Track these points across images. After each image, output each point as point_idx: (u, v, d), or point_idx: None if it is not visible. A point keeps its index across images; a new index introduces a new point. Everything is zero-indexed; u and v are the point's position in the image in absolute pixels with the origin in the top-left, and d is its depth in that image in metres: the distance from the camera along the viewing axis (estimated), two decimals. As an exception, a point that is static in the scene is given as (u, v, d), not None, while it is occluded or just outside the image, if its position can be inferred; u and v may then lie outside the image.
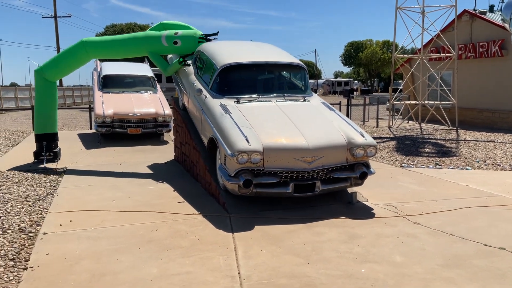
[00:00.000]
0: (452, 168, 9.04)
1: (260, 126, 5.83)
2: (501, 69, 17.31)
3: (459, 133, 15.50)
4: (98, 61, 16.22)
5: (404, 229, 5.09)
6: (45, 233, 5.03)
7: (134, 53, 9.04)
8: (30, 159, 9.88)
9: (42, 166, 9.15)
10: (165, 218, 5.55)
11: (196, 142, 7.52)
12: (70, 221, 5.49)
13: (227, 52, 7.30)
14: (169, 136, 13.32)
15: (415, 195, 6.70)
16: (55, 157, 9.77)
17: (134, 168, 8.95)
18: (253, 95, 6.69)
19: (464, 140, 13.56)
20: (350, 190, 6.35)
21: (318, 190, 5.71)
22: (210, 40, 8.53)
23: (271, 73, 7.27)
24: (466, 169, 9.02)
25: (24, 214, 5.83)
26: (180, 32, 8.58)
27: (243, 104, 6.46)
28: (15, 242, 4.78)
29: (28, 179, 7.99)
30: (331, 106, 6.82)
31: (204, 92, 6.88)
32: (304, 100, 6.84)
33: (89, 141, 13.08)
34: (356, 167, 5.87)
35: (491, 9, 18.84)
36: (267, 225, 5.21)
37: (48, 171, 8.76)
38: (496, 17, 18.30)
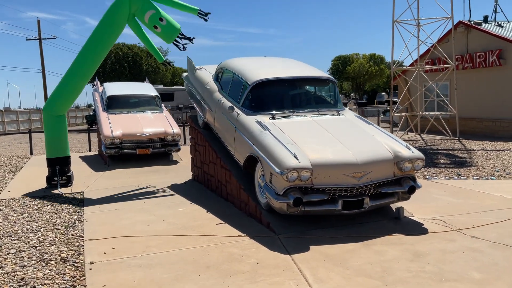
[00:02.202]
0: (477, 179, 8.97)
1: (303, 142, 5.67)
2: (500, 78, 17.49)
3: (464, 143, 15.54)
4: (98, 82, 15.98)
5: (465, 244, 4.94)
6: (91, 263, 4.76)
7: (116, 23, 8.61)
8: (41, 184, 9.56)
9: (57, 191, 8.83)
10: (212, 242, 5.32)
11: (224, 161, 7.31)
12: (113, 248, 5.22)
13: (255, 68, 7.16)
14: (178, 156, 13.07)
15: (456, 207, 6.57)
16: (69, 181, 9.46)
17: (155, 190, 8.69)
18: (288, 111, 6.54)
19: (473, 150, 13.58)
20: (394, 205, 6.19)
21: (366, 207, 5.55)
22: (186, 38, 8.48)
23: (302, 87, 7.15)
24: (491, 178, 8.96)
25: (60, 243, 5.54)
26: (165, 21, 8.29)
27: (279, 120, 6.30)
28: (64, 274, 4.50)
29: (48, 206, 7.68)
30: (366, 119, 6.70)
31: (236, 109, 6.71)
32: (338, 114, 6.71)
33: (95, 164, 12.75)
34: (403, 181, 5.72)
35: (485, 19, 19.13)
36: (321, 245, 5.01)
37: (65, 196, 8.46)
38: (491, 28, 18.57)
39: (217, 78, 8.08)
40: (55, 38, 48.00)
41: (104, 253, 5.06)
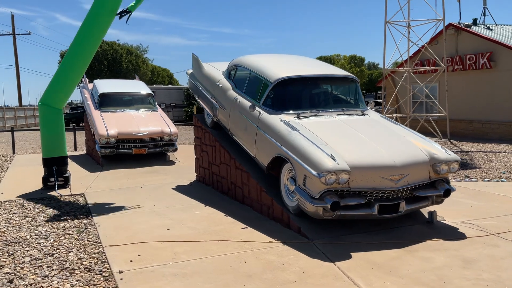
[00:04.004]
0: (488, 181, 8.89)
1: (335, 143, 5.42)
2: (490, 80, 17.65)
3: (456, 145, 15.58)
4: (87, 79, 15.40)
5: (511, 249, 4.77)
6: (120, 272, 4.39)
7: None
8: (35, 184, 9.08)
9: (56, 193, 8.36)
10: (244, 248, 5.01)
11: (240, 162, 7.01)
12: (138, 255, 4.85)
13: (275, 66, 6.87)
14: (174, 156, 12.67)
15: (482, 211, 6.42)
16: (66, 182, 8.98)
17: (161, 192, 8.30)
18: (312, 110, 6.28)
19: (471, 151, 13.59)
20: (425, 208, 5.99)
21: (402, 211, 5.32)
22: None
23: (324, 86, 6.89)
24: (502, 181, 8.89)
25: (78, 250, 5.15)
26: None
27: (305, 120, 6.03)
28: (94, 285, 4.13)
29: (49, 208, 7.23)
30: (392, 120, 6.50)
31: (257, 108, 6.41)
32: (363, 114, 6.49)
33: (87, 164, 12.23)
34: (437, 184, 5.53)
35: (475, 22, 19.29)
36: (362, 252, 4.77)
37: (65, 199, 8.01)
38: (481, 30, 18.73)
39: (229, 75, 7.76)
40: (30, 34, 46.50)
41: (131, 261, 4.70)
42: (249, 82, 7.02)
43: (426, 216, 5.88)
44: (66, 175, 9.02)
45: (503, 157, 12.17)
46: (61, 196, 8.21)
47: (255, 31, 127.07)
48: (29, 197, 8.15)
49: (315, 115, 6.18)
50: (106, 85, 13.62)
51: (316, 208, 5.07)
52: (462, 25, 18.94)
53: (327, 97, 6.82)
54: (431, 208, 5.84)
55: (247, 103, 6.70)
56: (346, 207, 5.13)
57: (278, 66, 6.83)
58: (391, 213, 5.29)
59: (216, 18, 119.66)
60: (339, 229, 5.48)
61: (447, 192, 5.49)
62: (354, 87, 6.83)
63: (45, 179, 8.87)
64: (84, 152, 15.08)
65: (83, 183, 9.39)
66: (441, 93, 19.02)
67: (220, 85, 7.67)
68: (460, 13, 20.14)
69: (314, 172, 4.97)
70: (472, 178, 9.12)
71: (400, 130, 6.11)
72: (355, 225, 5.60)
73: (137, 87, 14.06)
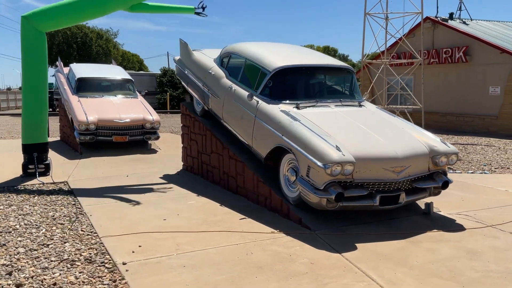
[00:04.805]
0: (472, 173, 9.09)
1: (338, 134, 5.38)
2: (465, 74, 18.05)
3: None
4: (62, 62, 14.90)
5: (511, 240, 4.87)
6: (124, 263, 4.25)
7: None
8: (13, 171, 8.72)
9: (38, 181, 8.06)
10: (247, 238, 4.94)
11: (234, 152, 6.91)
12: (139, 246, 4.72)
13: (272, 54, 6.78)
14: (155, 144, 12.42)
15: (474, 202, 6.53)
16: (47, 170, 8.66)
17: (149, 181, 8.11)
18: (311, 100, 6.23)
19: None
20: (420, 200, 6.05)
21: (402, 202, 5.36)
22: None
23: (322, 76, 6.85)
24: (485, 173, 9.11)
25: (74, 240, 4.96)
26: None
27: (305, 110, 5.97)
28: (100, 277, 3.98)
29: (34, 197, 6.97)
30: (389, 112, 6.52)
31: (255, 97, 6.30)
32: (360, 105, 6.49)
33: (64, 151, 11.87)
34: (435, 175, 5.59)
35: (451, 16, 19.64)
36: (367, 243, 4.77)
37: (48, 186, 7.74)
38: (458, 25, 19.09)
39: (221, 63, 7.61)
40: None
41: (133, 252, 4.56)
42: (244, 70, 6.90)
43: (422, 207, 5.94)
44: (47, 162, 8.71)
45: (481, 149, 12.48)
46: (43, 184, 7.92)
47: (225, 19, 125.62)
48: (10, 184, 7.84)
49: (314, 106, 6.13)
50: (83, 70, 13.20)
51: (320, 199, 5.03)
52: (439, 18, 19.24)
53: (324, 87, 6.78)
54: (427, 199, 5.90)
55: (243, 92, 6.58)
56: (349, 198, 5.12)
57: (276, 55, 6.74)
58: (391, 204, 5.32)
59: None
60: (339, 220, 5.48)
61: (445, 184, 5.55)
62: (350, 78, 6.81)
63: (25, 166, 8.53)
64: (58, 138, 14.60)
65: (64, 171, 9.09)
66: (416, 85, 19.33)
67: (213, 73, 7.52)
68: (437, 7, 20.66)
69: (319, 163, 4.93)
70: (456, 170, 9.30)
71: (398, 122, 6.13)
72: (354, 216, 5.60)
73: (115, 72, 13.68)
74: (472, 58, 17.76)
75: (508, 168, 9.65)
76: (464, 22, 19.77)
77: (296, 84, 6.49)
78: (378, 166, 5.14)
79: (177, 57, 9.05)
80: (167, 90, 33.52)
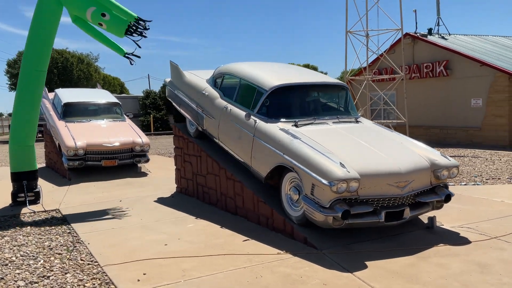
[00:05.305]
0: (465, 185, 9.16)
1: (340, 151, 5.36)
2: (447, 87, 18.35)
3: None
4: (46, 88, 14.69)
5: (517, 252, 4.88)
6: (131, 293, 4.12)
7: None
8: (2, 200, 8.49)
9: (29, 210, 7.84)
10: (253, 261, 4.84)
11: (232, 172, 6.83)
12: (144, 274, 4.58)
13: (267, 73, 6.77)
14: (145, 167, 12.26)
15: (472, 214, 6.55)
16: (37, 198, 8.45)
17: (143, 205, 7.97)
18: (309, 118, 6.21)
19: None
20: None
21: (407, 217, 5.33)
22: (138, 31, 7.19)
23: (318, 94, 6.85)
24: (477, 184, 9.18)
25: (74, 271, 4.80)
26: (108, 16, 7.16)
27: (303, 128, 5.95)
28: (108, 308, 3.84)
29: (26, 226, 6.77)
30: (386, 127, 6.55)
31: (253, 117, 6.27)
32: (357, 121, 6.50)
33: (52, 177, 11.62)
34: (437, 189, 5.60)
35: (430, 32, 20.04)
36: (376, 260, 4.71)
37: (40, 215, 7.53)
38: (437, 40, 19.47)
39: (215, 83, 7.58)
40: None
41: (138, 280, 4.43)
42: (239, 90, 6.87)
43: (425, 221, 5.93)
44: (37, 190, 8.50)
45: (469, 161, 12.62)
46: (34, 212, 7.71)
47: (204, 40, 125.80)
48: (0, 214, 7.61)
49: (312, 123, 6.12)
50: (69, 95, 13.02)
51: (326, 217, 4.98)
52: (418, 34, 19.61)
53: (320, 104, 6.79)
54: (430, 213, 5.89)
55: (240, 112, 6.54)
56: (354, 215, 5.08)
57: (270, 74, 6.73)
58: (396, 220, 5.29)
59: (164, 26, 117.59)
60: (344, 237, 5.42)
61: (448, 197, 5.56)
62: (345, 95, 6.84)
63: (14, 195, 8.31)
64: (44, 165, 14.31)
65: (54, 198, 8.89)
66: (399, 100, 19.57)
67: (206, 94, 7.47)
68: (416, 23, 20.96)
69: (324, 181, 4.88)
70: (448, 182, 9.34)
71: (396, 137, 6.16)
72: (358, 233, 5.55)
73: (102, 96, 13.54)
74: (452, 72, 18.09)
75: (499, 179, 9.75)
76: (443, 37, 20.19)
77: (293, 102, 6.49)
78: (383, 182, 5.12)
79: (168, 79, 8.99)
80: (150, 112, 33.35)
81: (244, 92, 6.77)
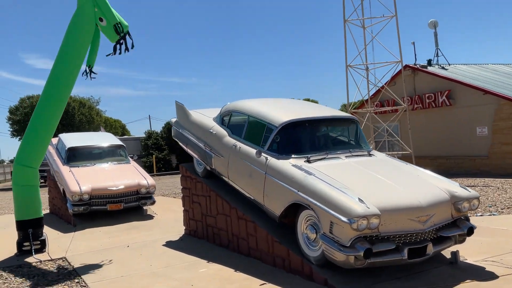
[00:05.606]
0: (481, 215, 8.92)
1: (357, 186, 5.19)
2: (451, 117, 18.29)
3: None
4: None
5: (550, 286, 4.64)
6: None
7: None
8: (7, 250, 8.25)
9: (35, 259, 7.60)
10: (274, 307, 4.60)
11: (243, 212, 6.64)
12: (160, 325, 4.34)
13: (275, 109, 6.69)
14: (151, 209, 12.03)
15: (494, 246, 6.32)
16: (43, 246, 8.21)
17: (151, 250, 7.72)
18: (321, 153, 6.07)
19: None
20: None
21: (430, 253, 5.10)
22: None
23: (328, 128, 6.74)
24: (493, 214, 8.95)
25: (86, 324, 4.55)
26: (105, 22, 7.44)
27: (316, 163, 5.80)
28: None
29: (33, 277, 6.53)
30: (399, 159, 6.40)
31: (263, 154, 6.13)
32: (370, 154, 6.35)
33: (57, 224, 11.38)
34: (459, 222, 5.39)
35: (429, 63, 20.16)
36: (402, 300, 4.48)
37: (46, 264, 7.29)
38: (437, 70, 19.57)
39: (222, 121, 7.48)
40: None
41: (154, 333, 4.17)
42: (248, 127, 6.76)
43: (447, 256, 5.70)
44: (43, 238, 8.27)
45: (480, 190, 12.40)
46: (40, 262, 7.46)
47: (202, 79, 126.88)
48: (4, 265, 7.36)
49: (324, 158, 5.97)
50: (73, 139, 12.95)
51: (347, 257, 4.76)
52: (418, 65, 19.72)
53: (331, 139, 6.67)
54: (452, 248, 5.67)
55: (250, 149, 6.42)
56: (376, 254, 4.86)
57: (279, 110, 6.65)
58: (420, 257, 5.06)
59: (164, 68, 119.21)
60: (365, 277, 5.18)
61: (471, 230, 5.36)
62: (355, 128, 6.73)
63: (19, 244, 8.08)
64: (47, 211, 14.08)
65: (60, 246, 8.65)
66: (403, 131, 19.51)
67: (214, 132, 7.36)
68: (415, 54, 21.07)
69: (343, 218, 4.70)
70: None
71: (412, 169, 6.00)
72: (380, 272, 5.32)
73: (105, 139, 13.46)
74: (455, 101, 18.08)
75: (514, 208, 9.52)
76: (443, 67, 20.30)
77: (304, 137, 6.36)
78: (404, 217, 4.93)
79: (174, 119, 8.92)
80: (152, 153, 33.30)
81: (253, 129, 6.66)
